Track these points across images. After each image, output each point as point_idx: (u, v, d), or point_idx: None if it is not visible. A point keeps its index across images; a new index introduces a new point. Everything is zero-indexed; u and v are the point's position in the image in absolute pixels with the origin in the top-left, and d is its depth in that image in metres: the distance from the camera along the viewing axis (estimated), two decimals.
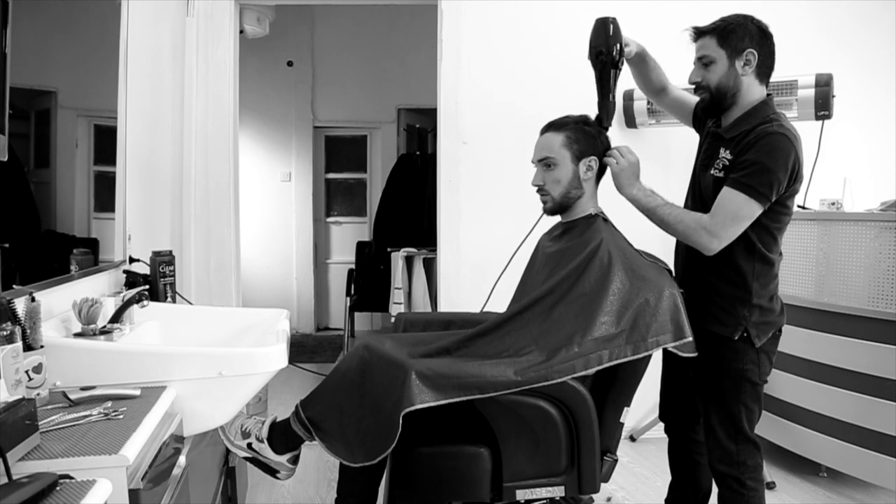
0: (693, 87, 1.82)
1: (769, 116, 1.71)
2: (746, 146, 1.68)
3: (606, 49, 1.80)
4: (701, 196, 1.83)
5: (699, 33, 1.78)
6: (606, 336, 1.62)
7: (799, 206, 2.99)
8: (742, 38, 1.72)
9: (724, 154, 1.75)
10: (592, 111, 1.89)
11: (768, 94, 1.77)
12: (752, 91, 1.75)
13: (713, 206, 1.71)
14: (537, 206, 1.89)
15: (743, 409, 1.78)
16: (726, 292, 1.76)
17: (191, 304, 2.67)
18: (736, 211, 1.67)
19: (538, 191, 1.85)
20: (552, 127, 1.83)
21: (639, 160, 1.81)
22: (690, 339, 1.65)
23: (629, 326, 1.62)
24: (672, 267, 1.87)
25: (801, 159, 1.69)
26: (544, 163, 1.81)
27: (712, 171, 1.77)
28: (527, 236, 2.06)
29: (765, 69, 1.76)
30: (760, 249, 1.74)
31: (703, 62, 1.76)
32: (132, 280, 2.33)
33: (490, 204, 3.14)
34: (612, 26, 1.80)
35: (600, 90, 1.85)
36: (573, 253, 1.74)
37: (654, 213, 1.77)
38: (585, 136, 1.79)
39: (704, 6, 3.24)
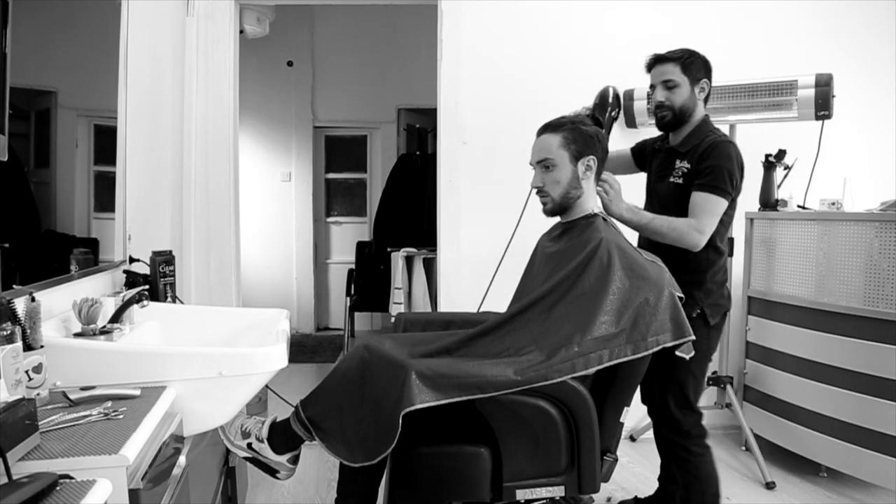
0: (655, 107, 2.10)
1: (711, 130, 2.09)
2: (703, 155, 2.01)
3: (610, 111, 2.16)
4: (660, 203, 2.12)
5: (664, 60, 2.08)
6: (606, 335, 1.62)
7: (799, 206, 3.00)
8: (699, 69, 2.08)
9: (682, 164, 2.07)
10: (591, 112, 1.89)
11: (706, 114, 2.13)
12: (699, 111, 2.11)
13: (691, 208, 1.99)
14: (537, 206, 1.89)
15: (691, 380, 2.06)
16: (685, 279, 1.91)
17: (182, 304, 2.67)
18: (711, 209, 1.97)
19: (538, 192, 1.85)
20: (549, 128, 1.83)
21: (620, 184, 1.97)
22: (692, 338, 1.66)
23: (629, 326, 1.63)
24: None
25: (743, 161, 2.05)
26: (543, 164, 1.81)
27: (671, 180, 2.08)
28: (515, 228, 2.08)
29: (708, 95, 2.12)
30: (714, 242, 2.03)
31: (668, 85, 2.06)
32: (132, 280, 2.33)
33: (490, 204, 3.13)
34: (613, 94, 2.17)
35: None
36: (573, 253, 1.74)
37: (647, 227, 1.99)
38: (583, 136, 1.79)
39: (704, 6, 3.26)
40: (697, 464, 2.08)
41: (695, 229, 1.96)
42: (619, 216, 1.95)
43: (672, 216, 2.00)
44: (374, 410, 1.59)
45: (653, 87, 2.10)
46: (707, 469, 2.08)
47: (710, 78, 2.10)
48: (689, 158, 2.05)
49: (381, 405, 1.57)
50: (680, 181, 2.06)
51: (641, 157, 2.31)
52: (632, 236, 1.94)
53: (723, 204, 1.97)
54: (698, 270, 2.04)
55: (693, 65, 2.06)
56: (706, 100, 2.12)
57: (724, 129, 3.05)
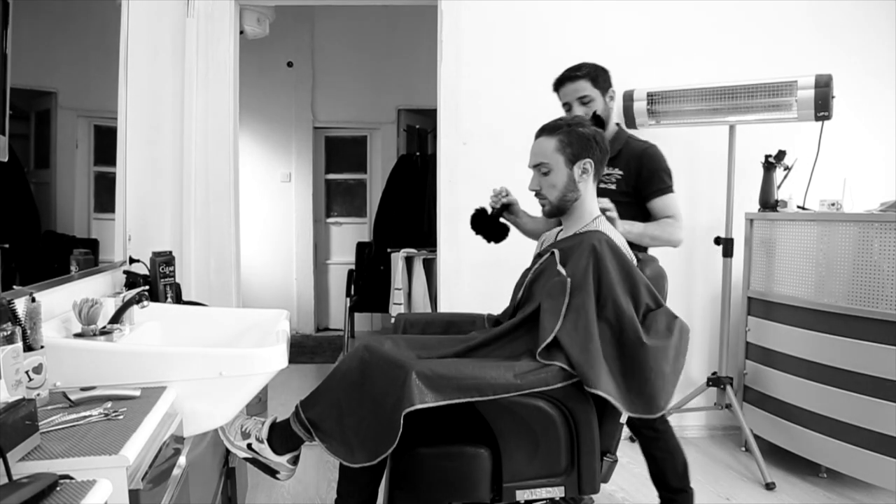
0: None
1: (630, 135, 2.29)
2: (638, 163, 2.20)
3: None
4: None
5: (574, 78, 2.23)
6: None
7: (799, 207, 3.00)
8: (605, 79, 2.25)
9: (613, 171, 2.23)
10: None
11: (616, 122, 2.32)
12: (613, 119, 2.28)
13: (665, 211, 2.18)
14: (537, 206, 1.89)
15: None
16: None
17: (196, 304, 2.67)
18: (676, 208, 2.21)
19: (536, 195, 1.86)
20: (545, 131, 1.83)
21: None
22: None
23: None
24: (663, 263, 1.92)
25: None
26: (539, 168, 1.82)
27: (601, 185, 2.15)
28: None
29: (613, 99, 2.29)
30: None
31: (584, 101, 2.21)
32: (132, 280, 2.33)
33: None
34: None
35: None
36: (571, 262, 1.75)
37: (643, 236, 2.12)
38: (579, 139, 1.79)
39: (704, 6, 3.26)
40: (666, 438, 2.23)
41: (679, 227, 2.18)
42: (624, 232, 1.97)
43: None
44: (374, 411, 1.59)
45: (567, 104, 2.25)
46: (673, 441, 2.24)
47: (612, 85, 2.28)
48: (619, 165, 2.22)
49: (382, 405, 1.56)
50: (612, 186, 2.21)
51: None
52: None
53: (677, 199, 2.22)
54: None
55: (600, 77, 2.23)
56: (613, 108, 2.29)
57: (724, 129, 3.08)
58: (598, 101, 2.22)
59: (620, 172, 2.22)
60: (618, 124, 2.32)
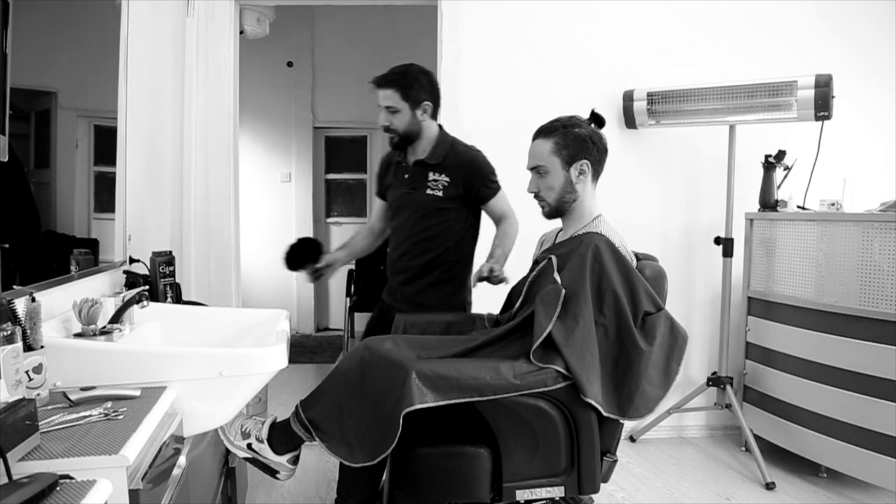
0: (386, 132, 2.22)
1: (452, 140, 2.27)
2: (468, 169, 2.21)
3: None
4: (416, 212, 2.25)
5: (384, 85, 2.17)
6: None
7: (799, 207, 3.00)
8: (419, 91, 2.17)
9: (440, 178, 2.22)
10: (590, 110, 1.88)
11: (439, 125, 2.29)
12: (432, 127, 2.25)
13: (499, 209, 2.27)
14: (537, 206, 1.89)
15: None
16: (461, 272, 2.28)
17: (198, 304, 2.67)
18: (507, 200, 2.30)
19: (535, 196, 1.86)
20: (542, 133, 1.83)
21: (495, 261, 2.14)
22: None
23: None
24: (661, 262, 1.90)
25: None
26: (536, 170, 1.82)
27: (429, 192, 2.21)
28: None
29: (436, 109, 2.24)
30: (475, 235, 2.32)
31: (390, 111, 2.16)
32: (132, 280, 2.33)
33: None
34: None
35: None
36: (568, 267, 1.75)
37: (508, 253, 2.23)
38: (575, 140, 1.78)
39: (704, 6, 3.26)
40: None
41: (513, 223, 2.29)
42: (500, 261, 2.16)
43: (429, 224, 2.23)
44: (374, 411, 1.59)
45: (381, 106, 2.20)
46: None
47: (434, 96, 2.22)
48: (446, 172, 2.22)
49: (382, 405, 1.57)
50: (440, 193, 2.22)
51: (382, 182, 2.42)
52: (631, 238, 1.93)
53: (504, 193, 2.29)
54: (470, 262, 2.33)
55: (412, 90, 2.15)
56: (435, 113, 2.25)
57: (724, 129, 3.08)
58: (404, 113, 2.17)
59: (447, 179, 2.22)
60: (440, 126, 2.28)
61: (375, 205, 2.48)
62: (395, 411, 1.51)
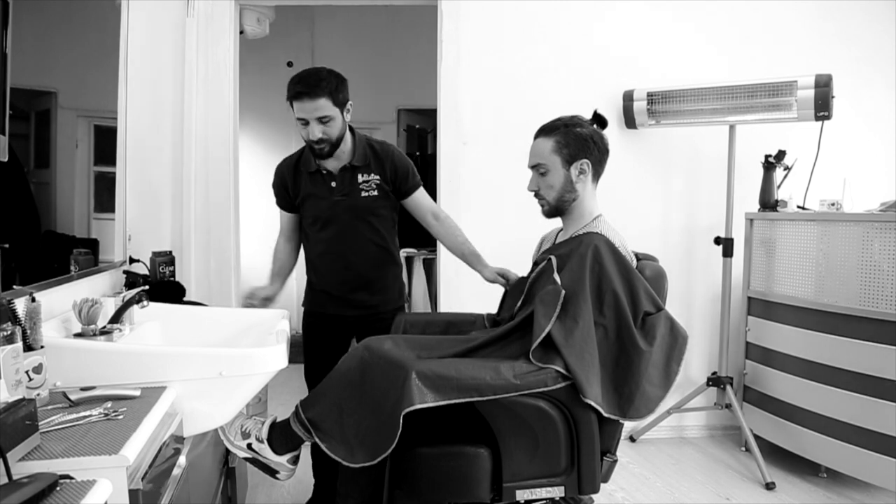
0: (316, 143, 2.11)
1: (367, 138, 2.26)
2: (388, 164, 2.22)
3: None
4: (355, 216, 2.20)
5: (314, 95, 2.04)
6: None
7: (798, 207, 3.00)
8: (344, 92, 2.12)
9: (372, 177, 2.21)
10: (592, 111, 1.88)
11: (351, 128, 2.22)
12: (348, 131, 2.20)
13: (425, 204, 2.31)
14: (537, 206, 1.89)
15: None
16: (393, 272, 2.34)
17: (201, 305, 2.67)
18: (430, 198, 2.35)
19: (535, 195, 1.86)
20: (543, 132, 1.83)
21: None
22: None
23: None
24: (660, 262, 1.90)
25: None
26: (537, 169, 1.82)
27: (365, 194, 2.20)
28: None
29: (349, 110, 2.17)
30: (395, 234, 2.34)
31: (324, 121, 2.06)
32: (132, 280, 2.34)
33: (490, 204, 3.14)
34: None
35: None
36: (568, 267, 1.75)
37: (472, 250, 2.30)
38: (576, 140, 1.78)
39: (704, 6, 3.26)
40: None
41: (447, 217, 2.35)
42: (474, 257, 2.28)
43: (372, 226, 2.22)
44: (374, 411, 1.59)
45: (303, 120, 2.07)
46: None
47: (349, 97, 2.17)
48: (373, 170, 2.21)
49: (382, 405, 1.57)
50: (375, 192, 2.21)
51: (289, 195, 2.28)
52: (631, 238, 1.94)
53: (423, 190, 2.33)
54: (397, 260, 2.38)
55: (340, 93, 2.09)
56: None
57: (724, 129, 3.08)
58: (337, 119, 2.08)
59: (378, 177, 2.20)
60: (355, 130, 2.23)
61: (284, 218, 2.35)
62: (395, 411, 1.51)
